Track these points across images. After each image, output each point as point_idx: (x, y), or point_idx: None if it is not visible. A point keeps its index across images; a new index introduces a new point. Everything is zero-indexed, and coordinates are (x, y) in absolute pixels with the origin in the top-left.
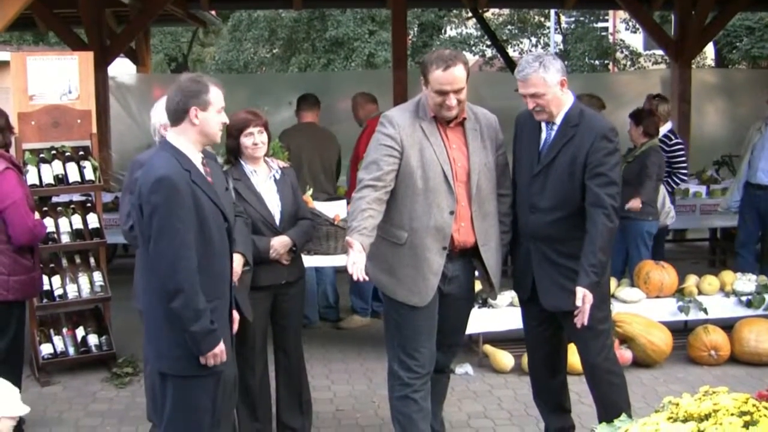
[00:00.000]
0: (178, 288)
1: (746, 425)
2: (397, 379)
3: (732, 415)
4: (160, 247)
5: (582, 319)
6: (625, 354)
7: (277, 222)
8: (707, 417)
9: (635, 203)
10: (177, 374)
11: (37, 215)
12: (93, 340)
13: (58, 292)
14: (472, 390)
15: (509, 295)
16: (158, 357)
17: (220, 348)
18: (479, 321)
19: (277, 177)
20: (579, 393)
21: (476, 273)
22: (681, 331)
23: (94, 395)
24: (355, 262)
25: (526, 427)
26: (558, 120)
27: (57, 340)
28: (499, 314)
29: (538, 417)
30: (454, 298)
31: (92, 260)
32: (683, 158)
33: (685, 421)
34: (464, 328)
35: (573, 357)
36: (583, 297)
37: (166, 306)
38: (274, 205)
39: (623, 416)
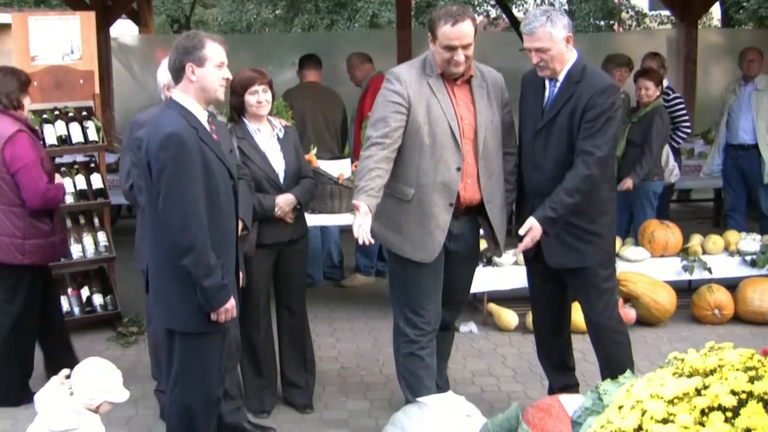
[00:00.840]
0: (190, 244)
1: (751, 380)
2: (403, 336)
3: (737, 370)
4: (169, 204)
5: (520, 248)
6: (629, 313)
7: (281, 180)
8: (712, 372)
9: (627, 184)
10: (185, 331)
11: (58, 178)
12: (98, 300)
13: None
14: (476, 348)
15: (513, 254)
16: (166, 314)
17: (231, 303)
18: (484, 280)
19: (281, 136)
20: (583, 351)
21: (481, 232)
22: (685, 290)
23: (99, 355)
24: (361, 224)
25: (530, 385)
26: (561, 77)
27: (62, 300)
28: (504, 273)
29: (542, 375)
30: (459, 255)
31: (96, 221)
32: (684, 112)
33: (690, 376)
34: (469, 285)
35: (577, 315)
36: (530, 227)
37: (177, 263)
38: (278, 163)
39: (627, 373)
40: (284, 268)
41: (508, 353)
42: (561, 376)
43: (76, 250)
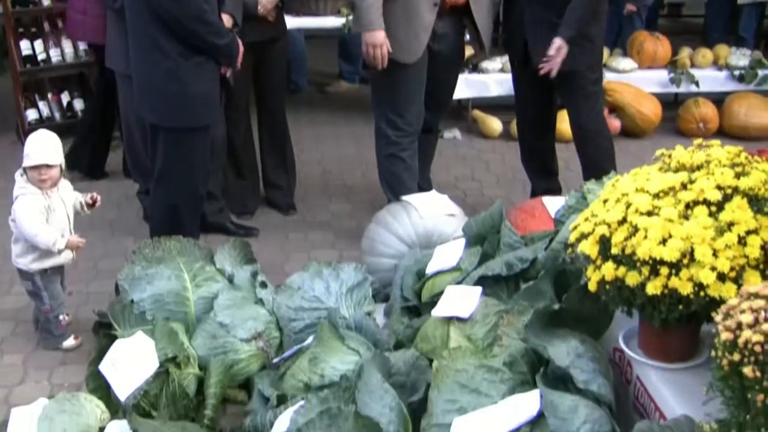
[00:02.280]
0: (195, 14)
1: (737, 176)
2: (384, 137)
3: (724, 166)
4: None
5: (548, 67)
6: (614, 122)
7: None
8: (699, 168)
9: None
10: (171, 126)
11: None
12: (78, 105)
13: (41, 56)
14: (460, 154)
15: (500, 61)
16: (152, 110)
17: (240, 49)
18: (469, 87)
19: None
20: (566, 159)
21: (467, 37)
22: (671, 103)
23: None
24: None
25: (512, 190)
26: None
27: (42, 105)
28: (489, 80)
29: (524, 181)
30: (443, 57)
31: None
32: None
33: (676, 171)
34: (453, 88)
35: (562, 124)
36: (558, 48)
37: (188, 29)
38: None
39: (611, 174)
40: (264, 68)
41: (492, 159)
42: (544, 181)
43: (54, 54)
